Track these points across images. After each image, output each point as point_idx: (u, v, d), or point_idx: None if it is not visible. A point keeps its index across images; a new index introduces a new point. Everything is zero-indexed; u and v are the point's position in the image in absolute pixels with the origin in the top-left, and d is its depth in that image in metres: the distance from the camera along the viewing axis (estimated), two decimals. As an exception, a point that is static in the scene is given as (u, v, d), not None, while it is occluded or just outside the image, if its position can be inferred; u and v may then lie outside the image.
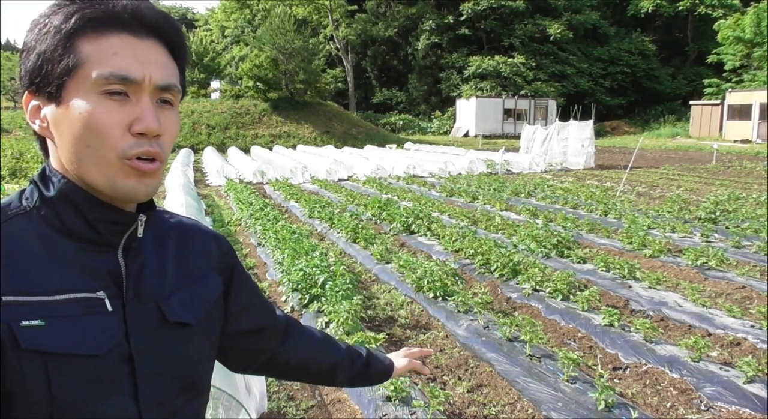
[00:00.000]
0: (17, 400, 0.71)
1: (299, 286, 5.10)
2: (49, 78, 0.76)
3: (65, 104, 0.76)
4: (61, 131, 0.77)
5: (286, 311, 5.17)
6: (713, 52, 34.62)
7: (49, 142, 0.82)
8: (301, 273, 5.20)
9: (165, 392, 0.84)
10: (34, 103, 0.79)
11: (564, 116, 26.57)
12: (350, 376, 1.24)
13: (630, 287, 5.47)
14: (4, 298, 0.71)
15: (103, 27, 0.76)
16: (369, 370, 1.26)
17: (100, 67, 0.75)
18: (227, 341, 1.01)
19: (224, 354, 1.05)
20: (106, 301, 0.78)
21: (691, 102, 33.84)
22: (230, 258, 1.02)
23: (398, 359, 1.36)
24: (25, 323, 0.71)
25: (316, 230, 8.55)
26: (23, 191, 0.81)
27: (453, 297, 5.03)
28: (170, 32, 0.82)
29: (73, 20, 0.75)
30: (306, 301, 4.96)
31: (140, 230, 0.83)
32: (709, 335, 4.37)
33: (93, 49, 0.75)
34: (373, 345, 3.88)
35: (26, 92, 0.80)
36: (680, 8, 37.91)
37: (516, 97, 36.39)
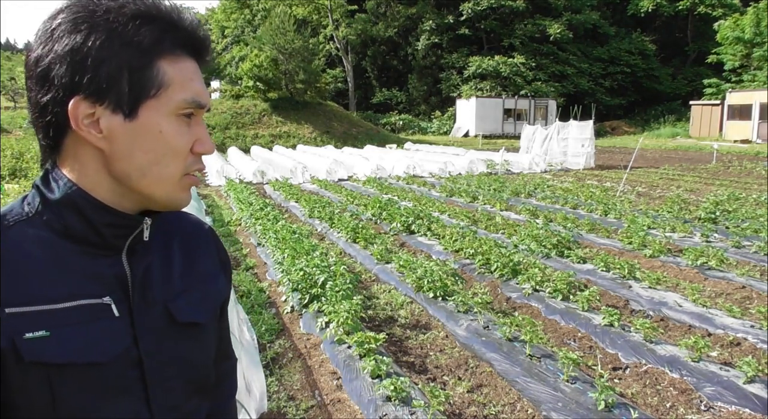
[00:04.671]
0: (18, 411, 0.71)
1: (299, 286, 5.10)
2: (125, 93, 0.74)
3: (140, 121, 0.76)
4: (129, 146, 0.76)
5: (285, 312, 5.15)
6: (713, 52, 34.61)
7: (82, 151, 0.76)
8: (301, 273, 5.20)
9: (177, 395, 0.83)
10: (87, 110, 0.74)
11: (564, 116, 26.57)
12: None
13: (630, 287, 5.47)
14: (7, 310, 0.70)
15: (181, 51, 0.79)
16: None
17: (183, 92, 0.78)
18: None
19: None
20: (113, 306, 0.77)
21: (691, 102, 33.83)
22: (230, 269, 1.02)
23: None
24: (29, 335, 0.70)
25: (316, 230, 8.55)
26: (26, 196, 0.80)
27: (453, 297, 5.03)
28: (207, 55, 0.85)
29: (166, 42, 0.77)
30: (306, 301, 4.96)
31: (146, 234, 0.83)
32: (709, 335, 4.37)
33: (174, 72, 0.77)
34: (374, 345, 3.88)
35: (78, 99, 0.73)
36: (680, 8, 37.89)
37: (516, 97, 36.38)
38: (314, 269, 5.26)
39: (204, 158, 0.85)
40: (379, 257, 6.54)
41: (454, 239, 7.11)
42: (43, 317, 0.71)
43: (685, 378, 3.71)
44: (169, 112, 0.77)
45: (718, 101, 31.43)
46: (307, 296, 4.97)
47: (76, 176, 0.77)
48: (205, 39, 0.82)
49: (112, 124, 0.75)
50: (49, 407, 0.71)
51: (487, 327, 4.56)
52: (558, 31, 37.56)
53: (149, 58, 0.75)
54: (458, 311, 4.87)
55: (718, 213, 8.79)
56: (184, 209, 0.94)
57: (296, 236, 6.89)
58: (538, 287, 5.35)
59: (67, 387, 0.72)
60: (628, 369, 3.93)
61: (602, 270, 6.00)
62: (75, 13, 0.74)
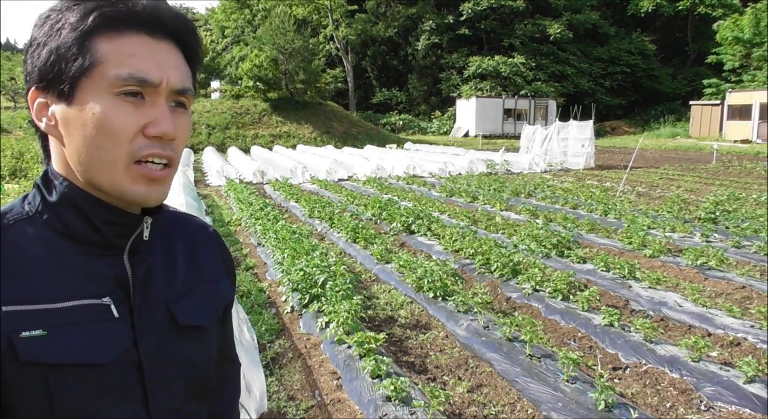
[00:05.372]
0: (16, 412, 0.70)
1: (299, 286, 5.10)
2: (61, 76, 0.74)
3: (77, 104, 0.74)
4: (71, 131, 0.75)
5: (285, 312, 5.14)
6: (713, 52, 34.62)
7: (53, 142, 0.79)
8: (301, 273, 5.20)
9: (178, 397, 0.82)
10: (41, 100, 0.76)
11: (564, 116, 26.57)
12: None
13: (630, 287, 5.47)
14: (3, 308, 0.69)
15: (122, 26, 0.74)
16: None
17: (118, 67, 0.73)
18: None
19: None
20: (112, 307, 0.76)
21: (691, 102, 33.84)
22: (233, 270, 1.01)
23: None
24: (25, 334, 0.69)
25: (316, 230, 8.54)
26: (27, 195, 0.80)
27: (453, 297, 5.03)
28: (187, 35, 0.80)
29: (91, 18, 0.72)
30: (306, 301, 4.96)
31: (146, 233, 0.82)
32: (709, 335, 4.37)
33: (111, 48, 0.73)
34: (374, 345, 3.88)
35: (33, 88, 0.76)
36: (680, 8, 37.89)
37: (516, 97, 36.38)
38: (314, 269, 5.26)
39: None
40: (379, 257, 6.54)
41: (454, 239, 7.11)
42: (40, 316, 0.71)
43: (685, 378, 3.71)
44: (103, 90, 0.73)
45: (718, 101, 31.43)
46: (307, 296, 4.97)
47: (60, 169, 0.78)
48: (163, 13, 0.76)
49: (57, 110, 0.75)
50: (46, 407, 0.70)
51: (487, 327, 4.56)
52: (558, 31, 37.56)
53: (81, 37, 0.73)
54: (458, 312, 4.87)
55: (718, 213, 8.79)
56: (187, 211, 0.93)
57: (296, 236, 6.89)
58: (538, 287, 5.35)
59: (64, 388, 0.71)
60: (628, 369, 3.93)
61: (602, 270, 6.00)
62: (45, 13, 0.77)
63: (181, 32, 0.79)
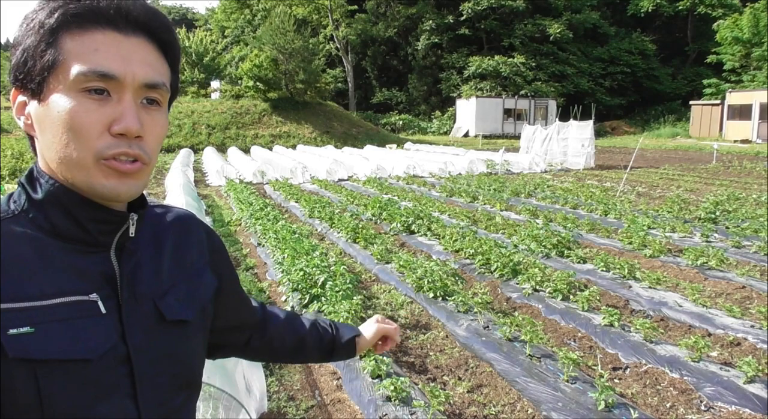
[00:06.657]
0: (5, 410, 0.70)
1: (299, 286, 5.11)
2: (31, 74, 0.75)
3: (46, 101, 0.75)
4: (43, 129, 0.76)
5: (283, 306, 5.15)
6: (713, 52, 34.62)
7: (35, 140, 0.80)
8: (301, 273, 5.20)
9: (165, 391, 0.83)
10: (20, 99, 0.78)
11: (564, 116, 26.57)
12: (320, 349, 1.24)
13: (630, 287, 5.47)
14: None
15: (86, 23, 0.74)
16: (338, 341, 1.26)
17: (80, 63, 0.73)
18: (212, 336, 1.00)
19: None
20: (99, 303, 0.77)
21: (691, 102, 33.84)
22: (223, 255, 1.02)
23: (368, 326, 1.32)
24: (12, 331, 0.69)
25: (316, 230, 8.55)
26: (12, 194, 0.80)
27: (453, 297, 5.03)
28: (159, 29, 0.79)
29: (56, 15, 0.73)
30: (306, 301, 4.96)
31: (132, 230, 0.82)
32: (709, 335, 4.37)
33: (75, 45, 0.73)
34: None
35: (14, 88, 0.78)
36: (680, 8, 37.92)
37: (516, 97, 36.39)
38: (314, 269, 5.26)
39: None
40: (379, 257, 6.54)
41: (454, 239, 7.11)
42: (27, 313, 0.71)
43: (685, 378, 3.71)
44: (68, 87, 0.73)
45: (718, 101, 31.44)
46: (307, 297, 4.98)
47: (44, 167, 0.79)
48: (129, 8, 0.76)
49: (32, 109, 0.77)
50: (36, 404, 0.71)
51: (487, 327, 4.56)
52: (558, 31, 37.58)
53: (47, 34, 0.74)
54: (458, 311, 4.87)
55: (718, 213, 8.79)
56: (177, 204, 0.93)
57: (296, 236, 6.89)
58: (538, 287, 5.35)
59: (53, 384, 0.71)
60: (628, 369, 3.93)
61: (602, 270, 6.00)
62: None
63: (152, 26, 0.78)
